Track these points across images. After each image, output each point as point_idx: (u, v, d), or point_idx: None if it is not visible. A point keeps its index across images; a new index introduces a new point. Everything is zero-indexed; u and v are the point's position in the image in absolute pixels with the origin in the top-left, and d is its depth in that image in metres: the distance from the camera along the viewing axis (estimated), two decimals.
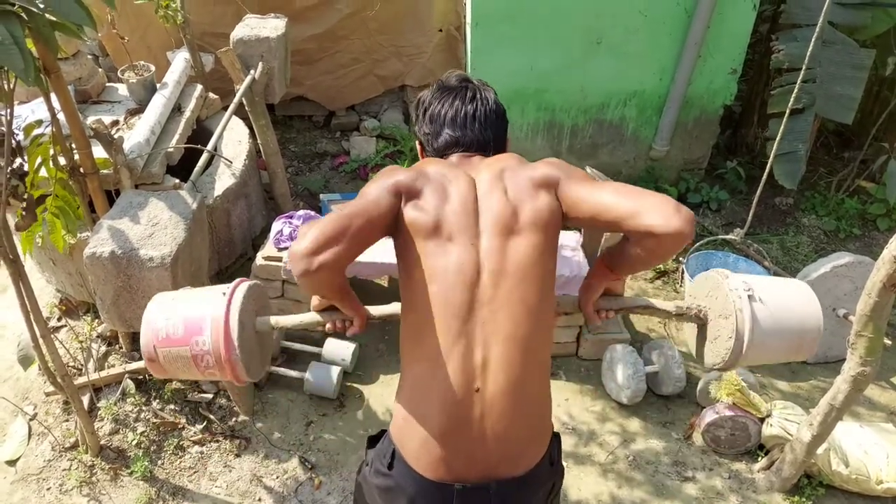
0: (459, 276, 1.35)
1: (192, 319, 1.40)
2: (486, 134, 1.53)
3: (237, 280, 1.55)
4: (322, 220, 1.31)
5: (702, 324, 1.59)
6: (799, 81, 3.23)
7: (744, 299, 1.46)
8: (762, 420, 2.74)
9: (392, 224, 1.40)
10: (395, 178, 1.41)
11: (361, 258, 3.05)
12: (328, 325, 1.53)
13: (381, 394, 3.01)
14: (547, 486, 1.48)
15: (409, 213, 1.39)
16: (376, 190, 1.39)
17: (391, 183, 1.40)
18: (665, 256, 1.36)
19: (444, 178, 1.42)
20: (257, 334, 1.55)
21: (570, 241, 3.15)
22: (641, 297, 1.51)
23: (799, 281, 1.60)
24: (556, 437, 1.51)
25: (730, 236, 3.55)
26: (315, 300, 1.54)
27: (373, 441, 1.58)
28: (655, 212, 1.26)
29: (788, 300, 1.49)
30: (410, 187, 1.40)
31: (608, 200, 1.34)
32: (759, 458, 2.77)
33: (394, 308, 1.54)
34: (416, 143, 1.62)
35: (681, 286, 3.66)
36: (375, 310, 1.56)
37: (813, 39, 3.09)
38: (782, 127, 3.31)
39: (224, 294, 1.45)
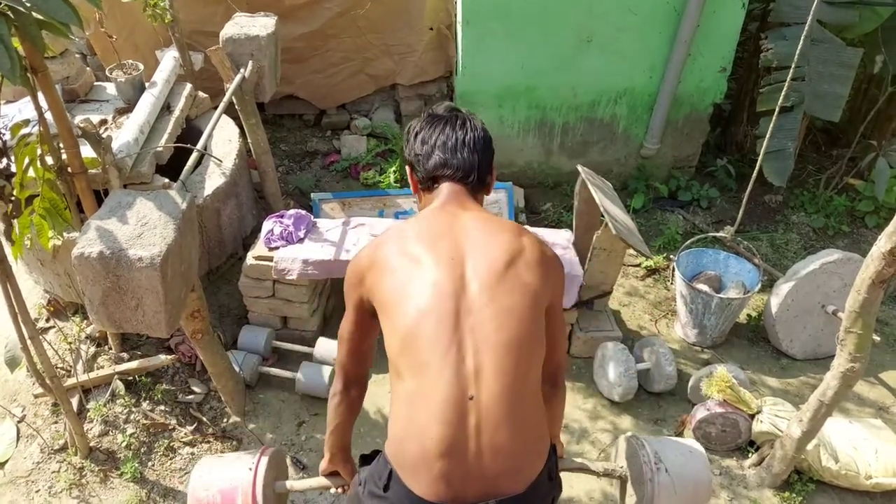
0: (439, 287, 1.37)
1: (227, 491, 1.78)
2: (474, 159, 1.57)
3: (260, 451, 1.87)
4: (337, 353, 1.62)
5: (623, 483, 1.94)
6: (788, 80, 3.24)
7: (654, 472, 1.82)
8: (752, 416, 2.75)
9: (372, 311, 1.51)
10: (352, 272, 1.52)
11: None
12: (332, 490, 1.81)
13: (374, 393, 3.00)
14: (546, 502, 1.47)
15: (376, 275, 1.46)
16: (348, 307, 1.56)
17: (351, 280, 1.52)
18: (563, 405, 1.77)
19: (417, 223, 1.50)
20: (277, 494, 1.86)
21: (561, 239, 3.15)
22: (577, 460, 1.96)
23: (698, 446, 1.95)
24: (553, 451, 1.51)
25: (720, 234, 3.56)
26: (323, 465, 1.79)
27: (365, 459, 1.58)
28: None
29: (689, 469, 1.86)
30: (370, 262, 1.48)
31: (557, 343, 1.61)
32: (750, 455, 2.78)
33: None
34: (407, 167, 1.66)
35: (671, 283, 3.68)
36: None
37: (802, 38, 3.11)
38: (771, 125, 3.33)
39: (250, 469, 1.80)
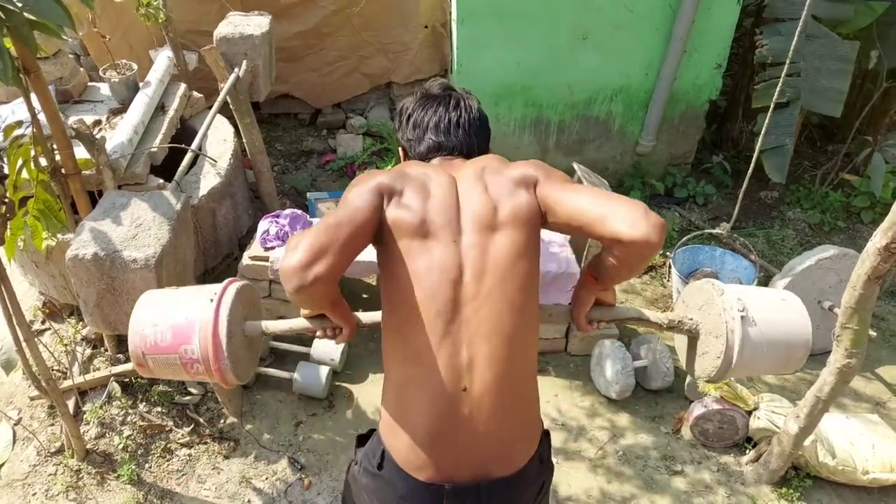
0: (443, 274, 1.35)
1: (181, 327, 1.37)
2: (470, 140, 1.54)
3: (226, 282, 1.50)
4: (310, 232, 1.28)
5: (692, 337, 1.59)
6: (783, 75, 3.24)
7: (737, 321, 1.45)
8: (750, 413, 2.76)
9: (378, 227, 1.38)
10: (376, 181, 1.40)
11: None
12: (318, 333, 1.52)
13: (371, 393, 3.00)
14: (536, 485, 1.48)
15: (392, 212, 1.38)
16: (359, 194, 1.38)
17: (373, 185, 1.39)
18: (635, 264, 1.35)
19: (426, 176, 1.43)
20: (246, 337, 1.52)
21: (557, 237, 3.15)
22: (633, 307, 1.59)
23: (793, 296, 1.57)
24: (545, 436, 1.51)
25: (716, 230, 3.56)
26: (304, 313, 1.54)
27: (362, 440, 1.58)
28: (622, 218, 1.25)
29: (781, 318, 1.48)
30: (392, 188, 1.39)
31: (581, 204, 1.33)
32: (747, 451, 2.79)
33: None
34: (399, 149, 1.62)
35: (668, 280, 3.68)
36: (365, 317, 1.56)
37: (796, 33, 3.11)
38: (766, 121, 3.33)
39: (212, 301, 1.41)
